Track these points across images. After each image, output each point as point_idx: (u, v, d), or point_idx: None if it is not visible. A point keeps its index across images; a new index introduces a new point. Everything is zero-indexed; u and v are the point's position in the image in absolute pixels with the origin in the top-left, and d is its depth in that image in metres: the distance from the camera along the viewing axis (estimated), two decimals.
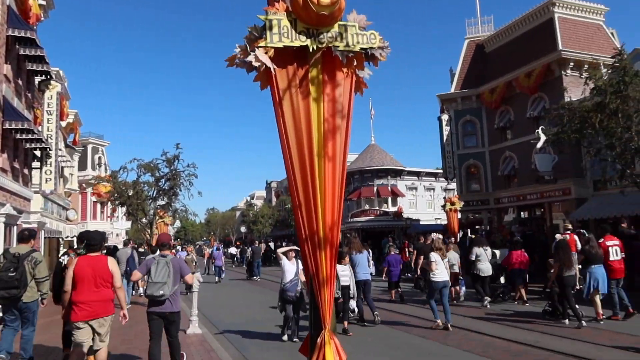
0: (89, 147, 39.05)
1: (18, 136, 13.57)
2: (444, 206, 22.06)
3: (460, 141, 26.86)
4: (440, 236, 14.30)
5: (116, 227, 45.31)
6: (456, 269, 13.54)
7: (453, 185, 22.62)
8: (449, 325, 9.95)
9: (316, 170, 3.60)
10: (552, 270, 10.49)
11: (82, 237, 6.81)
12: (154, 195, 20.16)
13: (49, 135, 16.14)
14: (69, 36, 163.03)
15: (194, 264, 15.49)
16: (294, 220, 3.97)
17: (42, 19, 15.45)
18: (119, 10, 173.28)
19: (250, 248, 29.06)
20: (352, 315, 10.78)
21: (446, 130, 26.67)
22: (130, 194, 19.51)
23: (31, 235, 7.22)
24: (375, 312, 10.79)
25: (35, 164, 16.45)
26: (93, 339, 5.91)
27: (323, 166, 3.61)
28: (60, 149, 20.74)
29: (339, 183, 3.73)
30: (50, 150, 15.77)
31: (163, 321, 6.39)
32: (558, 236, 12.79)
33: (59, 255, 8.48)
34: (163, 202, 20.97)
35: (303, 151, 3.62)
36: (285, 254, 9.68)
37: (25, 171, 15.42)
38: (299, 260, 8.88)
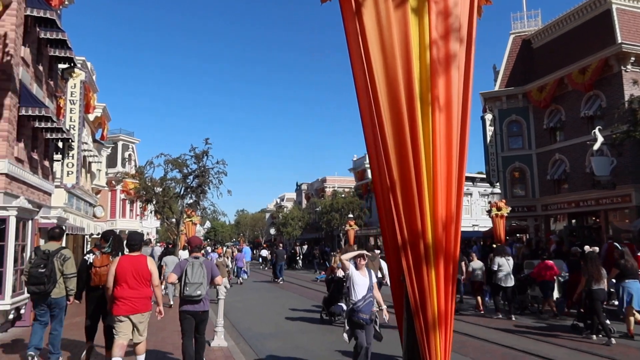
0: (119, 144, 38.74)
1: (37, 125, 12.73)
2: (489, 211, 20.38)
3: (504, 142, 25.11)
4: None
5: (145, 225, 45.02)
6: (479, 277, 13.68)
7: (499, 189, 20.90)
8: None
9: (419, 125, 2.10)
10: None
11: (107, 235, 7.49)
12: (182, 192, 19.25)
13: (72, 126, 15.34)
14: (94, 31, 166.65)
15: (227, 267, 14.07)
16: (378, 216, 2.56)
17: (67, 3, 14.68)
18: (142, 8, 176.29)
19: (274, 251, 28.53)
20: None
21: (490, 130, 24.96)
22: (156, 191, 18.65)
23: (61, 233, 7.63)
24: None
25: (57, 156, 15.68)
26: (132, 333, 6.30)
27: (431, 118, 2.13)
28: (86, 143, 20.05)
29: (457, 150, 2.18)
30: (72, 141, 14.95)
31: (194, 320, 6.80)
32: (587, 248, 12.58)
33: (84, 253, 8.52)
34: (191, 201, 20.05)
35: (397, 95, 2.15)
36: (355, 261, 7.29)
37: (46, 164, 14.61)
38: (371, 271, 7.24)
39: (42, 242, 13.48)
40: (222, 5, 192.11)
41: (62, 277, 7.09)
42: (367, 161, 49.18)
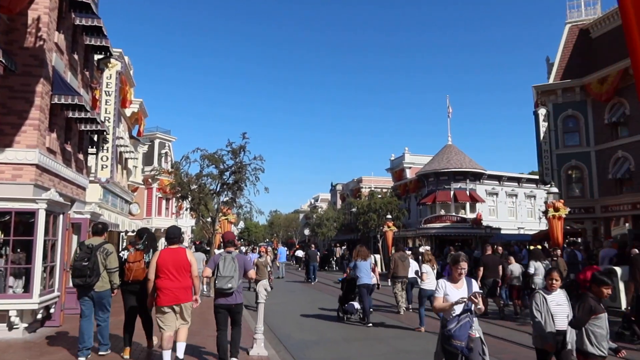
0: (156, 142, 38.60)
1: (70, 115, 12.11)
2: (545, 212, 18.82)
3: (559, 139, 23.38)
4: (428, 248, 13.87)
5: (181, 224, 44.87)
6: (516, 282, 13.38)
7: (556, 189, 19.30)
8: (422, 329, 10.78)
9: None
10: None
11: (141, 233, 7.92)
12: (218, 189, 18.51)
13: (107, 118, 14.75)
14: (130, 29, 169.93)
15: (268, 269, 12.93)
16: None
17: None
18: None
19: (307, 252, 28.03)
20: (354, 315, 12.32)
21: (543, 126, 23.31)
22: (192, 188, 17.99)
23: (104, 228, 8.03)
24: (369, 314, 11.93)
25: (92, 150, 15.12)
26: (177, 322, 6.60)
27: None
28: (122, 138, 19.55)
29: None
30: (107, 134, 14.34)
31: (228, 313, 7.02)
32: (635, 251, 11.91)
33: (119, 250, 8.90)
34: (227, 198, 19.30)
35: None
36: (450, 268, 5.52)
37: (80, 157, 14.03)
38: (472, 280, 5.43)
39: (74, 238, 12.92)
40: (255, 5, 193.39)
41: (105, 270, 7.39)
42: (406, 161, 48.02)
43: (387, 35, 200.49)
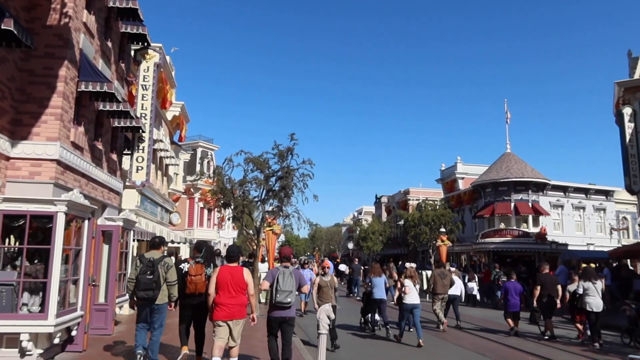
0: (198, 150, 37.58)
1: (101, 107, 10.62)
2: None
3: None
4: (414, 265, 13.76)
5: (223, 236, 43.65)
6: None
7: None
8: (421, 342, 10.87)
9: None
10: None
11: (200, 246, 8.06)
12: (263, 196, 16.77)
13: (143, 115, 13.29)
14: (171, 32, 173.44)
15: (334, 290, 10.39)
16: None
17: None
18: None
19: (350, 266, 26.40)
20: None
21: (629, 127, 20.48)
22: (235, 195, 16.34)
23: (161, 242, 8.16)
24: (388, 326, 12.27)
25: (128, 152, 13.68)
26: (228, 338, 6.88)
27: None
28: (162, 141, 18.18)
29: None
30: (143, 132, 12.84)
31: (281, 326, 7.37)
32: None
33: (179, 263, 8.35)
34: (272, 206, 17.56)
35: None
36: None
37: (114, 157, 12.57)
38: None
39: (105, 247, 11.41)
40: (297, 5, 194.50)
41: (165, 283, 7.56)
42: (458, 171, 45.30)
43: (429, 44, 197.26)
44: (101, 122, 11.41)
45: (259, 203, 17.17)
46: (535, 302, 13.58)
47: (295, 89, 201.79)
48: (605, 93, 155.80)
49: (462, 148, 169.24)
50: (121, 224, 11.94)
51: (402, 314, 11.85)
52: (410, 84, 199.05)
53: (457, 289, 15.36)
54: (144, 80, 13.45)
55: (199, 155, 37.55)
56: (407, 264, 13.49)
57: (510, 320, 13.40)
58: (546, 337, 12.79)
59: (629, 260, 27.89)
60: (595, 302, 11.87)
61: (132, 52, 13.83)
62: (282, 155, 16.41)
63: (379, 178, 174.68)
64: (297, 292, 7.46)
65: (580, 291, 12.20)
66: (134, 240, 14.59)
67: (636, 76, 20.92)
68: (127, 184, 14.30)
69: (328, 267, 10.77)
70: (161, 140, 18.24)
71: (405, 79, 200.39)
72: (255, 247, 17.64)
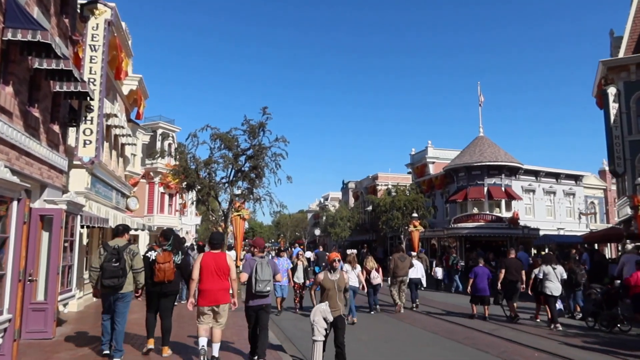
0: (159, 132, 35.19)
1: (37, 65, 8.70)
2: (635, 207, 15.29)
3: (633, 123, 19.86)
4: (355, 251, 14.42)
5: (185, 222, 41.54)
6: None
7: None
8: (355, 320, 11.97)
9: None
10: None
11: (167, 234, 8.00)
12: (231, 177, 15.06)
13: (92, 80, 11.33)
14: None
15: (342, 294, 8.14)
16: None
17: None
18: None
19: (316, 253, 24.39)
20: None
21: (614, 108, 19.77)
22: (200, 175, 14.58)
23: (125, 229, 8.03)
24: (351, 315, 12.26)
25: (73, 124, 11.72)
26: (213, 321, 7.11)
27: None
28: (116, 115, 16.14)
29: None
30: (91, 99, 10.92)
31: (258, 313, 7.45)
32: None
33: (146, 252, 8.05)
34: (238, 191, 15.90)
35: None
36: None
37: (55, 128, 10.63)
38: None
39: (44, 234, 9.60)
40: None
41: (130, 271, 7.42)
42: (429, 155, 44.52)
43: (402, 12, 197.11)
44: (38, 84, 9.47)
45: (226, 185, 15.53)
46: (500, 285, 13.91)
47: (258, 76, 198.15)
48: (575, 82, 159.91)
49: (433, 134, 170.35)
50: (64, 207, 10.10)
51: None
52: (378, 70, 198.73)
53: (418, 272, 15.96)
54: (92, 40, 11.45)
55: (159, 137, 35.17)
56: (348, 250, 14.37)
57: (474, 306, 13.69)
58: (506, 318, 13.32)
59: (595, 245, 27.68)
60: (554, 287, 12.34)
61: (79, 8, 11.80)
62: (253, 132, 14.77)
63: (347, 164, 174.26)
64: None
65: (541, 276, 12.62)
66: (82, 226, 12.73)
67: (620, 55, 20.20)
68: (75, 162, 12.36)
69: (337, 261, 7.58)
70: (116, 115, 16.19)
71: (374, 65, 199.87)
72: (223, 234, 16.06)
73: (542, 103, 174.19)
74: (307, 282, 14.08)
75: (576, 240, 26.57)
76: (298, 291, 14.27)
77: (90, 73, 11.35)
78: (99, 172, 15.25)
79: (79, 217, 11.32)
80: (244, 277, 7.51)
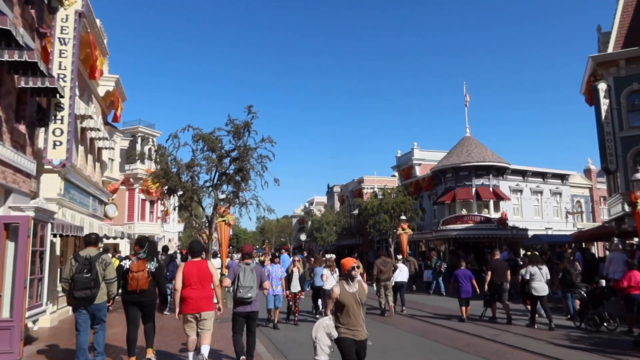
0: (138, 136, 34.11)
1: None
2: (633, 204, 14.84)
3: (624, 119, 19.57)
4: (334, 256, 14.29)
5: (167, 230, 40.40)
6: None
7: None
8: None
9: None
10: None
11: (141, 242, 7.84)
12: (215, 181, 14.20)
13: (62, 76, 10.46)
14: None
15: (363, 309, 6.62)
16: None
17: None
18: None
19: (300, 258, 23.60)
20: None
21: (604, 104, 19.46)
22: (183, 178, 13.72)
23: (98, 239, 7.89)
24: (321, 311, 13.13)
25: (42, 124, 10.81)
26: (198, 328, 7.09)
27: None
28: (91, 117, 15.25)
29: None
30: (61, 96, 10.05)
31: (245, 320, 7.58)
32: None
33: (120, 260, 8.87)
34: (225, 193, 15.09)
35: None
36: None
37: (22, 129, 9.75)
38: None
39: (10, 244, 8.73)
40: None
41: (103, 281, 7.27)
42: (415, 157, 44.08)
43: (388, 14, 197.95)
44: (0, 79, 8.61)
45: (210, 189, 14.69)
46: (486, 287, 13.88)
47: (240, 81, 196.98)
48: (558, 84, 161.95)
49: (419, 136, 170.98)
50: (32, 214, 9.23)
51: (322, 297, 13.29)
52: (361, 74, 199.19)
53: (404, 275, 16.03)
54: (61, 33, 10.56)
55: (138, 142, 34.09)
56: (327, 255, 14.69)
57: (463, 308, 13.60)
58: (485, 318, 13.60)
59: (583, 244, 27.44)
60: (540, 287, 12.42)
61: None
62: (238, 132, 13.97)
63: (332, 168, 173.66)
64: (259, 289, 7.64)
65: (527, 277, 12.68)
66: (55, 235, 11.81)
67: (609, 50, 19.93)
68: (45, 166, 11.45)
69: (356, 268, 5.58)
70: (91, 117, 15.28)
71: (357, 68, 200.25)
72: (207, 240, 15.20)
73: (526, 104, 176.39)
74: (301, 295, 13.46)
75: (566, 240, 26.27)
76: (291, 302, 13.20)
77: (60, 68, 10.47)
78: (73, 177, 14.32)
79: (49, 225, 10.42)
80: (227, 282, 7.67)
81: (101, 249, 7.88)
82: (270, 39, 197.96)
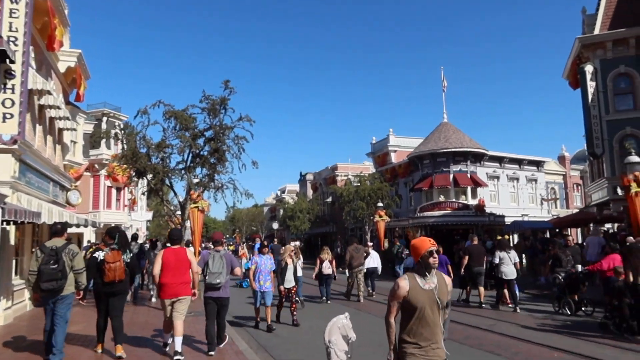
0: (104, 120, 32.29)
1: None
2: (626, 188, 14.41)
3: (610, 103, 19.22)
4: (298, 243, 14.99)
5: (135, 218, 38.65)
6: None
7: (638, 158, 14.96)
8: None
9: None
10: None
11: (112, 232, 7.94)
12: (189, 163, 13.01)
13: (12, 39, 9.11)
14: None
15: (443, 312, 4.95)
16: None
17: None
18: None
19: (270, 246, 22.06)
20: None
21: (591, 87, 19.05)
22: (153, 160, 12.46)
23: (64, 228, 7.65)
24: (300, 299, 13.44)
25: None
26: (172, 313, 7.32)
27: None
28: (49, 93, 13.80)
29: None
30: (12, 61, 8.72)
31: (216, 305, 7.91)
32: (630, 239, 12.19)
33: (92, 252, 8.01)
34: (199, 177, 13.95)
35: None
36: None
37: None
38: None
39: None
40: None
41: (71, 272, 7.16)
42: (390, 143, 43.47)
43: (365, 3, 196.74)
44: None
45: (183, 171, 13.48)
46: (462, 271, 14.26)
47: (209, 69, 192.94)
48: (534, 71, 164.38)
49: (394, 123, 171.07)
50: None
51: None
52: (335, 63, 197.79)
53: (375, 262, 16.34)
54: None
55: (104, 126, 32.22)
56: (292, 243, 14.72)
57: None
58: (462, 300, 14.31)
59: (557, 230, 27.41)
60: (509, 270, 12.95)
61: None
62: (213, 109, 12.78)
63: (304, 156, 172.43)
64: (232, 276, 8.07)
65: (497, 261, 13.20)
66: (8, 222, 10.50)
67: (596, 32, 19.51)
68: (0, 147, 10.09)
69: (436, 252, 4.11)
70: (50, 93, 13.83)
71: (331, 58, 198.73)
72: (179, 227, 14.05)
73: (502, 92, 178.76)
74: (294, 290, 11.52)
75: (546, 226, 26.13)
76: (284, 298, 11.25)
77: (11, 30, 9.11)
78: (29, 159, 12.92)
79: None
80: (198, 269, 7.82)
81: (70, 239, 7.75)
82: (243, 24, 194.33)
